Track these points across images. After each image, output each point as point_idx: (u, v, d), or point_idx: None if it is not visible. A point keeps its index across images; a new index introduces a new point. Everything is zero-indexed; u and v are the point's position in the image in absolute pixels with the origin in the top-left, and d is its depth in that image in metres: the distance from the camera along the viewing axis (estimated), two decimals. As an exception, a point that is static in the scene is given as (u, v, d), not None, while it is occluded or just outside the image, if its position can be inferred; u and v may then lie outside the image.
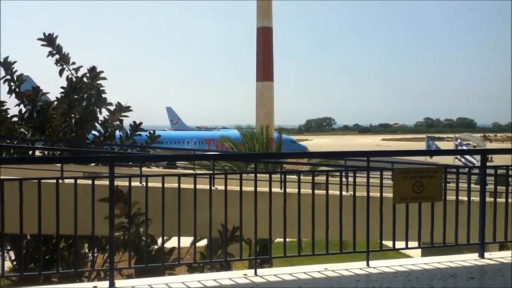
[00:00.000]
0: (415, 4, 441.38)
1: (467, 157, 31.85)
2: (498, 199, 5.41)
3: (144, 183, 4.81)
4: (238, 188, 4.67)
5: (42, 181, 4.23)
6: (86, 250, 9.24)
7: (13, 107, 10.93)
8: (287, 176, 5.01)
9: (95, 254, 8.88)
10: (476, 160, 29.91)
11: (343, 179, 7.13)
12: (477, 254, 5.20)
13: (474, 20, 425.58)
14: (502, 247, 8.87)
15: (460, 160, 32.13)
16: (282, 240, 4.78)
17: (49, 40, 11.39)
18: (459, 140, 42.42)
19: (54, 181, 4.35)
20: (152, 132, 12.16)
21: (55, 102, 11.02)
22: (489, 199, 5.41)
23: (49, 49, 11.39)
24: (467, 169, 5.59)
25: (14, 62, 11.14)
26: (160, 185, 4.63)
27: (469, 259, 5.12)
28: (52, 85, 11.81)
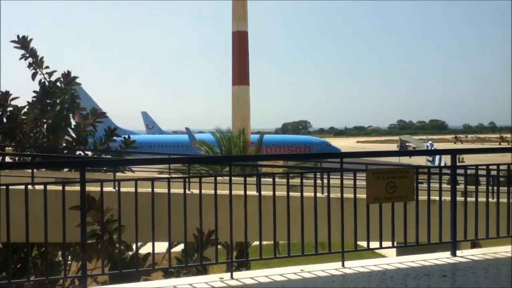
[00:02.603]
0: (391, 5, 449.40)
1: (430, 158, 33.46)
2: (468, 198, 5.54)
3: (117, 188, 4.74)
4: (213, 192, 4.65)
5: (10, 187, 4.12)
6: (60, 258, 9.05)
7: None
8: (264, 179, 5.02)
9: (69, 262, 8.70)
10: (436, 160, 31.56)
11: (318, 180, 7.19)
12: (449, 253, 5.31)
13: (450, 20, 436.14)
14: (474, 245, 9.09)
15: (428, 161, 33.49)
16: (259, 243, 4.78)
17: (23, 43, 11.14)
18: (430, 142, 44.48)
19: (23, 187, 4.24)
20: (127, 137, 12.01)
21: (26, 107, 10.77)
22: (460, 198, 5.53)
23: (22, 52, 11.13)
24: (438, 169, 5.71)
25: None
26: (133, 190, 4.57)
27: (442, 257, 5.22)
28: (22, 89, 11.55)
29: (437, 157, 31.82)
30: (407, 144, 55.63)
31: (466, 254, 5.34)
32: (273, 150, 50.84)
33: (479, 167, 5.78)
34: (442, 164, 29.33)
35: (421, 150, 14.24)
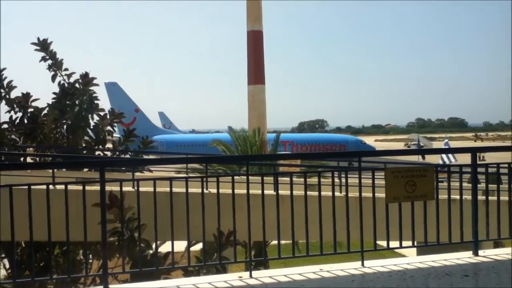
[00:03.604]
0: (406, 5, 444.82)
1: (444, 156, 33.26)
2: (490, 197, 5.45)
3: (136, 188, 4.79)
4: (231, 191, 4.66)
5: (32, 187, 4.20)
6: (82, 257, 9.18)
7: (4, 113, 10.85)
8: (281, 178, 5.01)
9: (90, 260, 8.82)
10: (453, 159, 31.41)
11: (336, 180, 7.15)
12: (471, 252, 5.23)
13: (467, 20, 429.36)
14: (497, 244, 8.93)
15: (442, 159, 33.25)
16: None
17: (43, 45, 11.31)
18: (446, 140, 44.58)
19: (45, 187, 4.32)
20: (145, 137, 12.13)
21: (47, 108, 10.94)
22: (481, 197, 5.44)
23: (42, 54, 11.31)
24: (458, 168, 5.62)
25: (4, 68, 11.05)
26: (152, 189, 4.61)
27: (464, 257, 5.14)
28: (43, 91, 11.74)
29: (448, 155, 31.79)
30: (413, 143, 55.33)
31: (489, 253, 5.25)
32: (308, 149, 50.82)
33: (501, 165, 5.68)
34: (453, 162, 29.34)
35: (440, 149, 14.06)
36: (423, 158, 36.74)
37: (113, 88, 53.41)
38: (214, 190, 4.77)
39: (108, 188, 5.03)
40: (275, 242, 4.90)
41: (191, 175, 10.64)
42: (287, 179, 5.07)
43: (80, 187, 4.50)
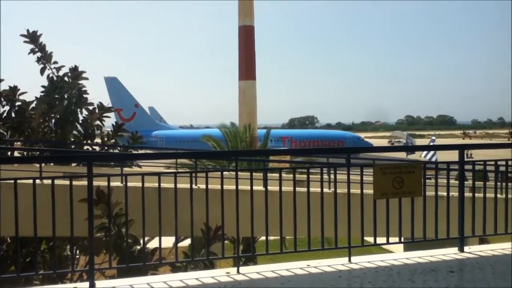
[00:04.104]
0: (398, 4, 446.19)
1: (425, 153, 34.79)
2: (476, 194, 5.50)
3: (124, 183, 4.76)
4: (220, 187, 4.66)
5: (18, 181, 4.15)
6: (69, 252, 9.11)
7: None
8: (271, 174, 5.01)
9: (77, 256, 8.76)
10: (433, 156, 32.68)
11: (325, 176, 7.17)
12: (457, 248, 5.28)
13: (457, 19, 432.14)
14: (482, 240, 9.04)
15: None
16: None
17: (32, 37, 11.16)
18: (433, 138, 45.89)
19: (31, 181, 4.27)
20: (135, 132, 12.05)
21: (35, 102, 10.82)
22: (468, 194, 5.50)
23: (31, 46, 11.17)
24: (446, 165, 5.67)
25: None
26: (140, 184, 4.58)
27: (449, 253, 5.19)
28: (31, 84, 11.60)
29: (430, 152, 33.00)
30: (397, 140, 56.17)
31: (474, 250, 5.31)
32: (307, 145, 51.06)
33: (488, 162, 5.73)
34: (434, 159, 30.18)
35: (428, 145, 14.23)
36: (408, 155, 37.20)
37: (113, 83, 53.08)
38: (202, 186, 4.76)
39: (96, 183, 4.99)
40: (263, 238, 4.91)
41: (180, 170, 10.60)
42: (277, 175, 5.07)
43: (67, 182, 4.46)
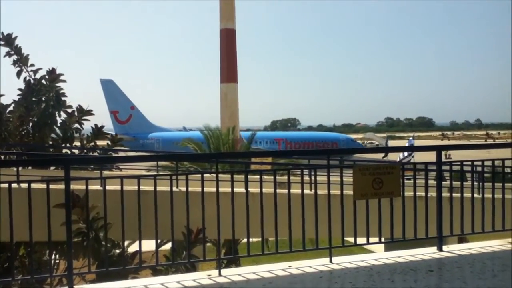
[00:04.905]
0: (378, 7, 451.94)
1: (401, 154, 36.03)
2: (454, 194, 5.60)
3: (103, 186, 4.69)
4: (200, 189, 4.64)
5: None
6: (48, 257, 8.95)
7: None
8: (253, 176, 5.00)
9: (57, 260, 8.62)
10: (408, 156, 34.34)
11: (306, 177, 7.21)
12: (436, 248, 5.36)
13: (437, 21, 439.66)
14: (461, 239, 9.20)
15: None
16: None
17: (7, 40, 10.98)
18: (410, 138, 47.25)
19: (7, 185, 4.18)
20: (114, 135, 11.93)
21: (12, 105, 10.63)
22: (446, 194, 5.58)
23: (7, 49, 10.98)
24: (423, 165, 5.75)
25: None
26: (120, 187, 4.53)
27: (428, 252, 5.26)
28: (7, 87, 11.39)
29: (405, 153, 34.20)
30: (369, 141, 57.22)
31: (452, 249, 5.39)
32: (301, 147, 51.52)
33: (464, 163, 5.84)
34: (411, 159, 31.01)
35: (406, 147, 14.46)
36: (385, 156, 37.64)
37: (109, 85, 52.54)
38: (184, 188, 4.73)
39: (74, 186, 4.91)
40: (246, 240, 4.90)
41: (161, 173, 10.53)
42: (258, 177, 5.07)
43: (45, 186, 4.38)
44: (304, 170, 7.73)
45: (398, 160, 32.62)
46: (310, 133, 68.87)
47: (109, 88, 52.43)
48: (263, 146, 51.51)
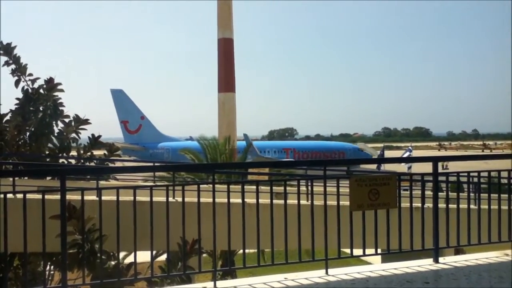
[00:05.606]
0: (372, 13, 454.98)
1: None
2: (451, 205, 5.59)
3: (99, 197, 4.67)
4: (196, 200, 4.62)
5: None
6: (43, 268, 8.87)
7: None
8: (250, 187, 4.99)
9: (51, 272, 8.55)
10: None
11: (303, 188, 7.19)
12: (432, 259, 5.34)
13: (433, 30, 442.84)
14: (458, 251, 9.18)
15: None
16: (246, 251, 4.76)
17: (6, 49, 11.00)
18: (409, 148, 47.73)
19: (2, 195, 4.17)
20: (112, 144, 11.91)
21: (9, 115, 10.62)
22: (442, 205, 5.58)
23: (6, 58, 10.99)
24: (420, 176, 5.75)
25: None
26: (115, 198, 4.52)
27: (425, 264, 5.25)
28: (5, 96, 11.40)
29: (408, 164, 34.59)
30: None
31: (449, 261, 5.38)
32: (309, 156, 51.74)
33: (461, 174, 5.84)
34: (411, 171, 31.25)
35: (403, 158, 14.44)
36: (378, 168, 37.53)
37: (119, 95, 52.70)
38: (180, 199, 4.72)
39: (70, 197, 4.90)
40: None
41: (158, 183, 10.50)
42: (255, 187, 5.07)
43: (40, 196, 4.36)
44: (301, 181, 7.71)
45: (406, 170, 32.82)
46: (318, 143, 69.05)
47: (119, 98, 52.63)
48: (271, 156, 52.02)
